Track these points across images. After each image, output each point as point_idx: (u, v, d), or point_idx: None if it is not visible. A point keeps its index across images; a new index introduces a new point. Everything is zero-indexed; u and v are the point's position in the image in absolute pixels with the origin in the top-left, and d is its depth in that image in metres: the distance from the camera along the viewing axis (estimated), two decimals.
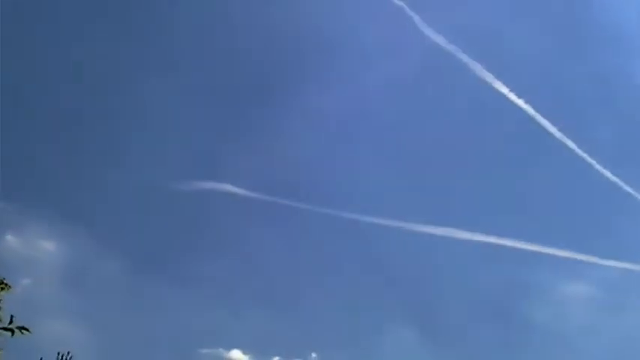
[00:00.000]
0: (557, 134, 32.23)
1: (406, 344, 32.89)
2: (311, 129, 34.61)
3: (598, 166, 32.15)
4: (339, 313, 32.70)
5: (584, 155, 32.36)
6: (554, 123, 32.33)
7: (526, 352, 34.19)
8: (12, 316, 7.27)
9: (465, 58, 32.02)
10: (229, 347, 32.19)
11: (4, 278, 7.41)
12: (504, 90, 31.92)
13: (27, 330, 7.26)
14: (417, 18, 32.28)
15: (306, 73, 35.58)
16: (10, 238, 30.90)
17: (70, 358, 9.86)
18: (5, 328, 7.19)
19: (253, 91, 34.53)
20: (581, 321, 35.14)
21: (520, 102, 32.12)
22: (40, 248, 31.91)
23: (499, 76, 32.01)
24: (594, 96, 36.64)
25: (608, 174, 32.18)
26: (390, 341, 32.81)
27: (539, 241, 32.16)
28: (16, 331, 7.22)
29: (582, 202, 35.74)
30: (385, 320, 33.08)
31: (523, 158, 35.38)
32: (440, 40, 31.81)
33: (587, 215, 35.78)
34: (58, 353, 9.95)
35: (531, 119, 32.15)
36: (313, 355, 32.19)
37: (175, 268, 31.93)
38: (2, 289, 7.32)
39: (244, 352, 32.36)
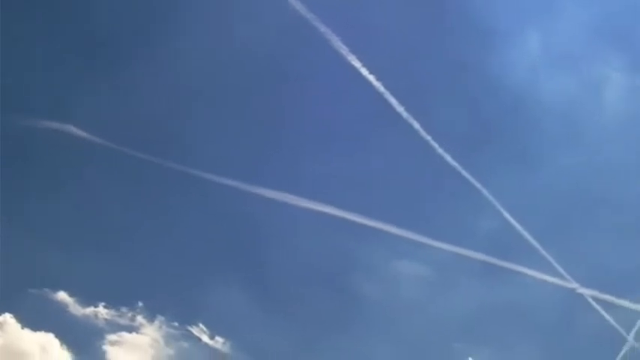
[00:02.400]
0: (404, 114, 32.88)
1: (234, 303, 33.36)
2: (165, 83, 34.58)
3: (440, 150, 32.96)
4: (170, 265, 32.93)
5: (428, 138, 33.13)
6: (402, 103, 32.98)
7: (355, 324, 35.05)
8: None
9: (322, 27, 32.36)
10: (56, 289, 32.04)
11: None
12: (357, 64, 32.40)
13: None
14: None
15: (163, 28, 35.55)
16: None
17: None
18: None
19: (112, 37, 34.30)
20: (410, 298, 36.19)
21: (371, 78, 32.65)
22: None
23: (354, 50, 32.47)
24: (446, 83, 37.65)
25: (449, 158, 33.03)
26: (217, 298, 33.24)
27: (376, 217, 32.86)
28: None
29: (422, 183, 36.70)
30: (216, 277, 33.50)
31: (368, 133, 36.10)
32: (299, 6, 32.07)
33: (424, 197, 36.78)
34: None
35: (380, 96, 32.74)
36: (140, 303, 32.32)
37: (7, 205, 31.52)
38: None
39: (70, 295, 32.28)
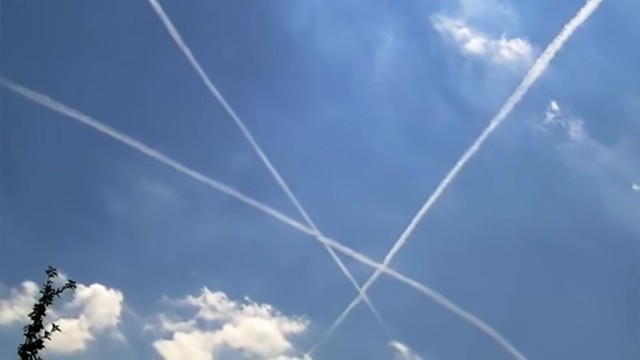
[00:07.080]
0: (178, 40, 32.66)
1: None
2: None
3: (207, 82, 33.17)
4: None
5: (197, 67, 33.17)
6: (177, 29, 32.71)
7: (97, 239, 35.31)
8: None
9: None
10: None
11: None
12: None
13: None
14: None
15: None
16: None
17: None
18: None
19: None
20: (154, 220, 37.07)
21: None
22: None
23: None
24: (226, 18, 38.24)
25: (215, 91, 33.33)
26: None
27: (132, 135, 32.67)
28: None
29: (184, 111, 37.25)
30: None
31: (138, 52, 35.78)
32: None
33: (184, 124, 37.44)
34: None
35: (157, 19, 32.15)
36: None
37: None
38: None
39: None
